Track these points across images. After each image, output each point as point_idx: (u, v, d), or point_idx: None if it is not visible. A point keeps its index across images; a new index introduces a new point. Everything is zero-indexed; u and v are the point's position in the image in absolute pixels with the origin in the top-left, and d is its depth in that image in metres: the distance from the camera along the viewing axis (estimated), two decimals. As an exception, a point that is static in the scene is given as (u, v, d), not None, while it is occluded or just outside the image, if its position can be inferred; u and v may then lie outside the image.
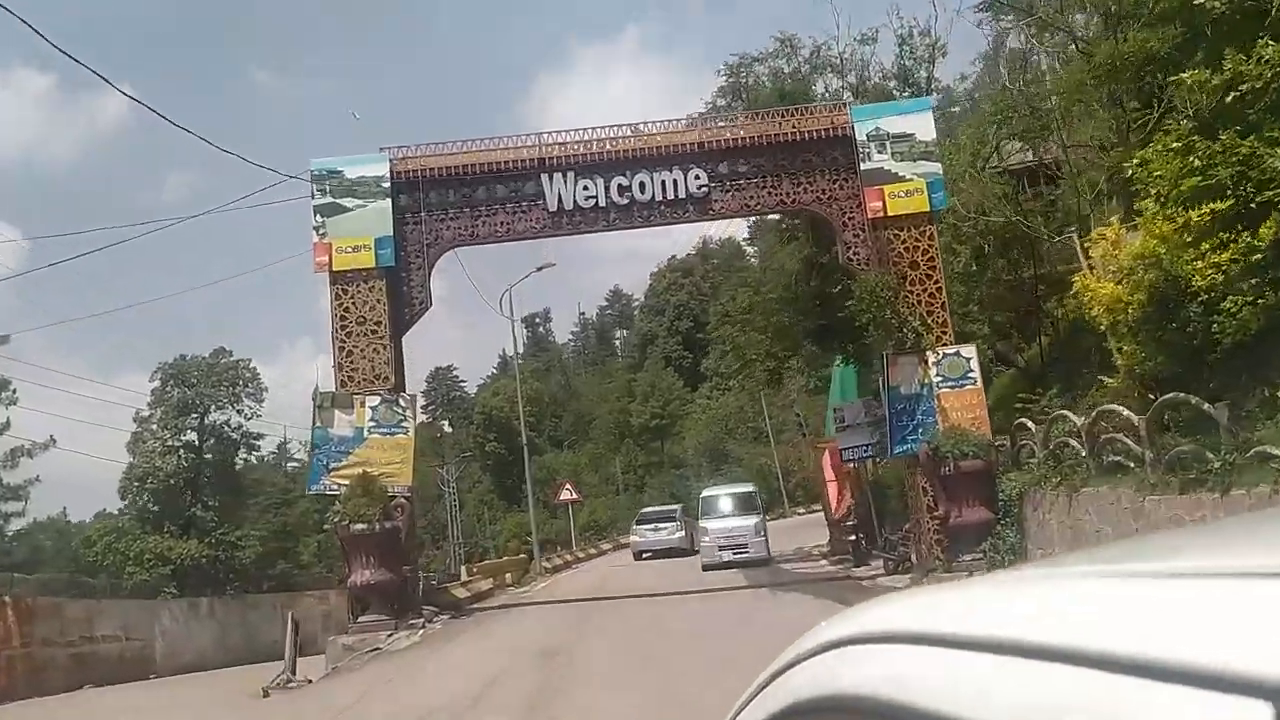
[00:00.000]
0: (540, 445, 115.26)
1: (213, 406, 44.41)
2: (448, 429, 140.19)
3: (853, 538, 25.97)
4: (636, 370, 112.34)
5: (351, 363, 19.43)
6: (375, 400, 19.18)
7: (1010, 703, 0.60)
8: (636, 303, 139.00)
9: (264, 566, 46.14)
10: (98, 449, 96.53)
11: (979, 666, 0.65)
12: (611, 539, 50.78)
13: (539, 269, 35.71)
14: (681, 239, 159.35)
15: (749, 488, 31.38)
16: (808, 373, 31.65)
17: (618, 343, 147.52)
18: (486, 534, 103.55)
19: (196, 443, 45.07)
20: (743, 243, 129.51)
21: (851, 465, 28.43)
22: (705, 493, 30.25)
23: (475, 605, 23.22)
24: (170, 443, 44.01)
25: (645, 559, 32.55)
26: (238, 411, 46.77)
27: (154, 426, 44.16)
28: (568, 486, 41.38)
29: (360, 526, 17.87)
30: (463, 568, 31.79)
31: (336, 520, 18.29)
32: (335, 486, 18.81)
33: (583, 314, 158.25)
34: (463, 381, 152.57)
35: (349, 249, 19.59)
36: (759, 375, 31.33)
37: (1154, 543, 0.98)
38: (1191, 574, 0.63)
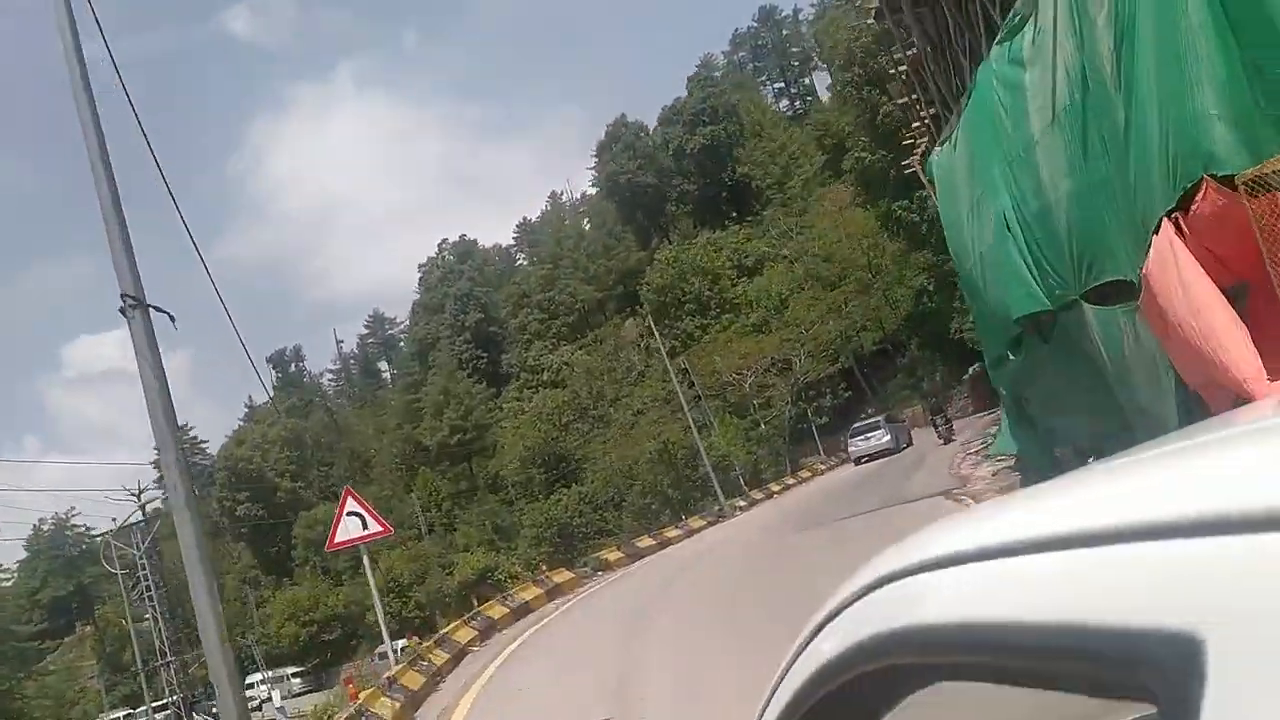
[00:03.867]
0: (307, 498, 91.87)
1: None
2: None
3: None
4: (419, 388, 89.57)
5: None
6: None
7: (1073, 593, 0.60)
8: (401, 325, 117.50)
9: None
10: None
11: (1032, 568, 0.64)
12: (481, 614, 23.79)
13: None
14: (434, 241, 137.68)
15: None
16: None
17: (386, 375, 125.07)
18: (253, 620, 79.39)
19: None
20: (510, 248, 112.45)
21: None
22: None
23: None
24: None
25: (864, 463, 37.92)
26: None
27: None
28: (356, 506, 15.26)
29: None
30: None
31: None
32: None
33: (340, 343, 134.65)
34: (204, 443, 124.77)
35: None
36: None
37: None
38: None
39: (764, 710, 0.98)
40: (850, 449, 40.37)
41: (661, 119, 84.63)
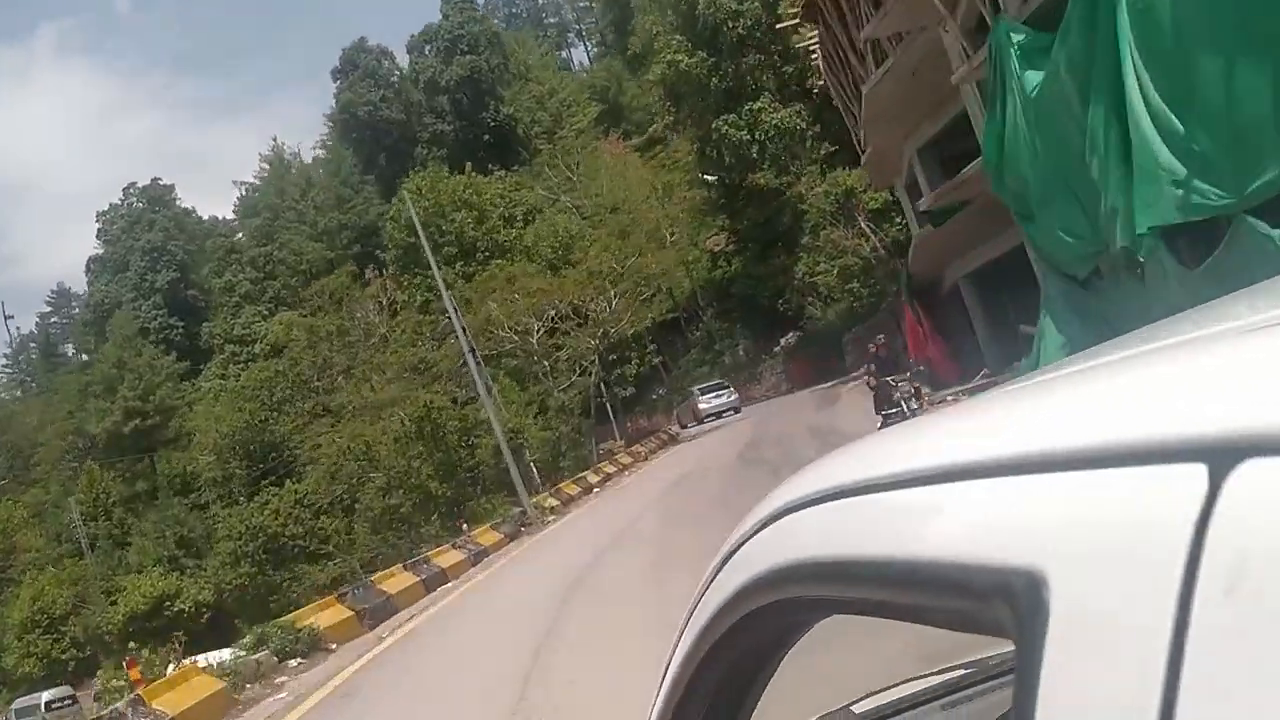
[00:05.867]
0: (-59, 506, 71.43)
1: None
2: None
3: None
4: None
5: None
6: None
7: (956, 523, 0.59)
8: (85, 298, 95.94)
9: None
10: None
11: (907, 501, 0.64)
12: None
13: None
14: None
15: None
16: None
17: (80, 357, 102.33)
18: None
19: None
20: (230, 221, 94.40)
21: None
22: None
23: None
24: None
25: (708, 420, 39.52)
26: None
27: None
28: None
29: None
30: None
31: None
32: None
33: (10, 318, 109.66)
34: None
35: None
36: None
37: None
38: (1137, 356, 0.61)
39: (677, 642, 0.98)
40: (700, 405, 41.64)
41: (410, 46, 70.79)
